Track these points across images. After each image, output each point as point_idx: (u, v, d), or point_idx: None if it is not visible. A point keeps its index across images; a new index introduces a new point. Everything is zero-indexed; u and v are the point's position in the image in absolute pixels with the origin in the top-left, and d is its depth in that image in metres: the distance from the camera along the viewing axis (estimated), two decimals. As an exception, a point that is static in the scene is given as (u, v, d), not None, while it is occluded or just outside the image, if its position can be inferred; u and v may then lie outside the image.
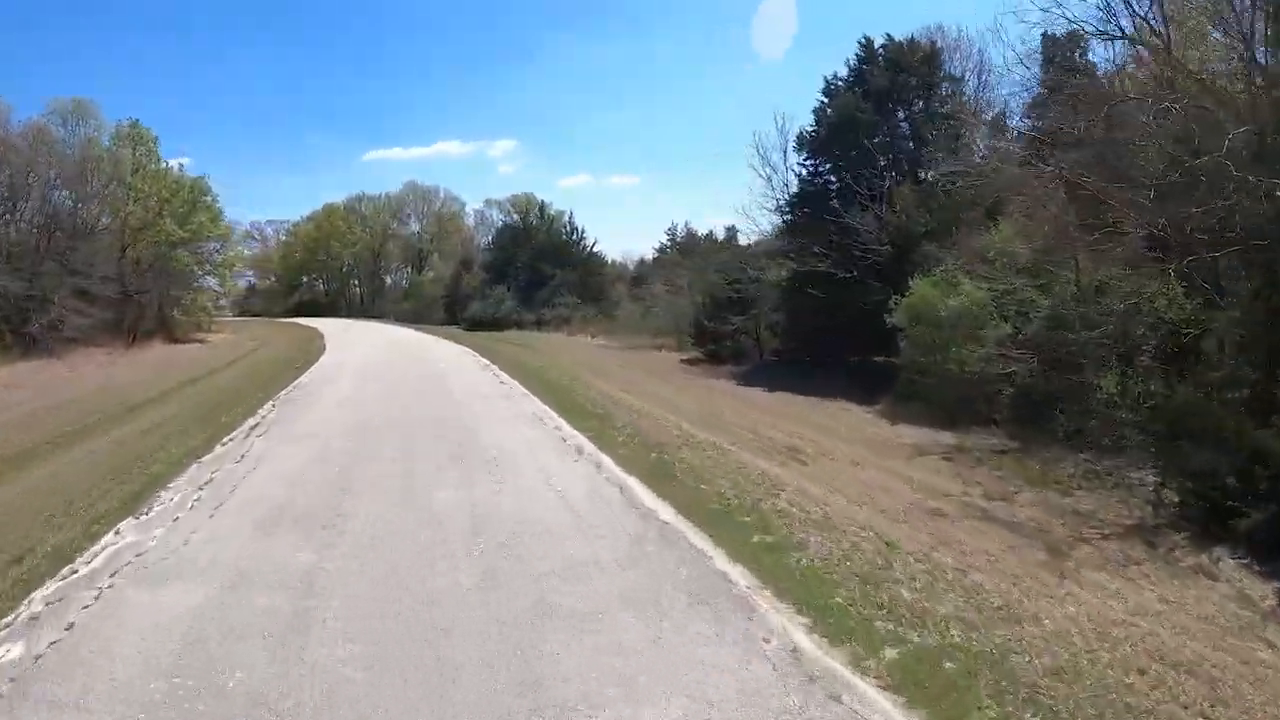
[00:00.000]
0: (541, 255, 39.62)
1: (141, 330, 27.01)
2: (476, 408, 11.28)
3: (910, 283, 15.50)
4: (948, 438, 12.24)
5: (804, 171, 22.69)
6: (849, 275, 18.73)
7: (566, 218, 42.11)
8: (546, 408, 10.92)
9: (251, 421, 10.19)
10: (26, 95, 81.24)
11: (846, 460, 10.08)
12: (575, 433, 9.01)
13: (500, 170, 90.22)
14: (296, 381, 14.71)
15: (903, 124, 21.29)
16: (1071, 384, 11.28)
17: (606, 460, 7.54)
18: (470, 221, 66.21)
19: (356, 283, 67.22)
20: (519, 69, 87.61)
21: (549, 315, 37.25)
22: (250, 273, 72.62)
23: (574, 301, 37.89)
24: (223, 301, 51.98)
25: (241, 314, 67.86)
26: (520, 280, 39.38)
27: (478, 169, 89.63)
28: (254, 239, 70.46)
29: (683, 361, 23.40)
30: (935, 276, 14.99)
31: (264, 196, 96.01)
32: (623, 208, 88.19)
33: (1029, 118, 17.39)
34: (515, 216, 48.83)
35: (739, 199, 79.53)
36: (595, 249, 41.85)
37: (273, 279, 68.32)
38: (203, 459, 7.93)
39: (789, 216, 23.19)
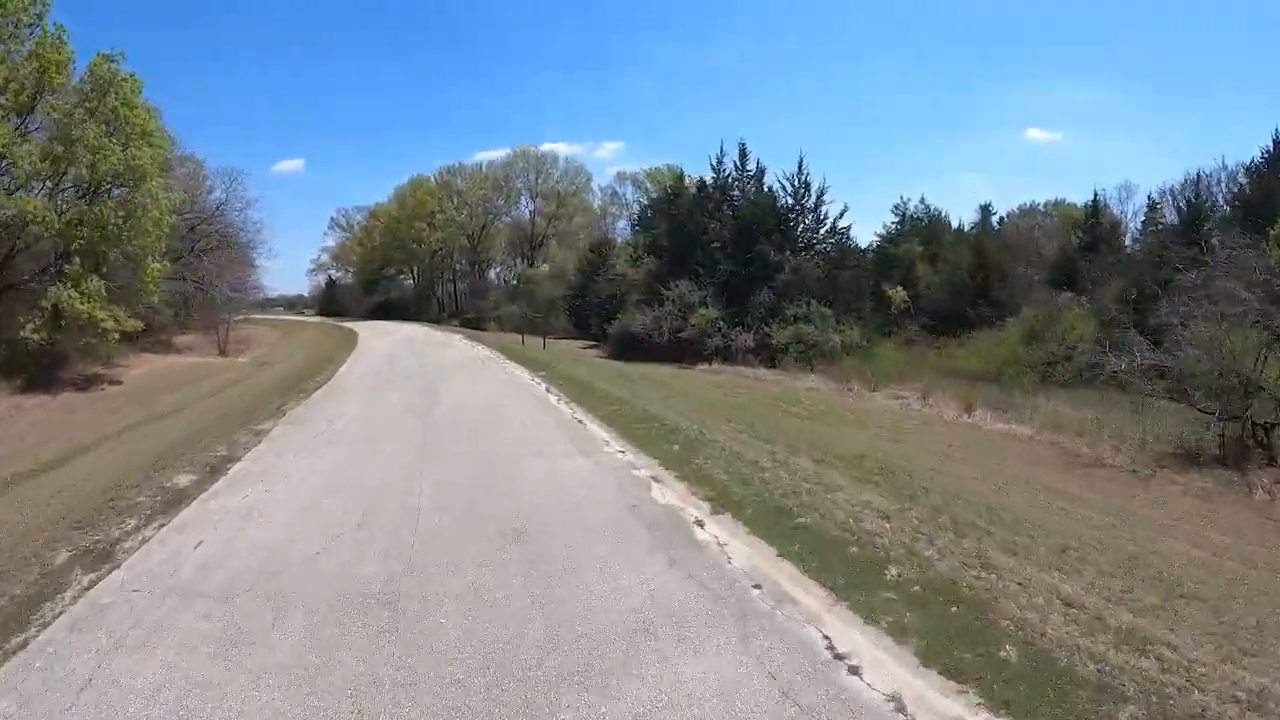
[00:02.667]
0: (750, 230, 22.00)
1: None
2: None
3: None
4: None
5: None
6: None
7: (799, 166, 23.42)
8: None
9: None
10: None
11: None
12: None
13: (608, 171, 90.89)
14: None
15: None
16: None
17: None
18: (595, 201, 50.16)
19: (451, 276, 52.25)
20: (625, 71, 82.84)
21: (780, 338, 19.72)
22: (334, 267, 60.51)
23: (822, 313, 20.17)
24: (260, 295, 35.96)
25: (321, 313, 55.56)
26: (715, 274, 22.01)
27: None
28: (340, 228, 57.89)
29: None
30: None
31: (370, 197, 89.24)
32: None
33: None
34: (703, 175, 31.69)
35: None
36: (842, 222, 23.85)
37: (346, 272, 55.00)
38: None
39: None
